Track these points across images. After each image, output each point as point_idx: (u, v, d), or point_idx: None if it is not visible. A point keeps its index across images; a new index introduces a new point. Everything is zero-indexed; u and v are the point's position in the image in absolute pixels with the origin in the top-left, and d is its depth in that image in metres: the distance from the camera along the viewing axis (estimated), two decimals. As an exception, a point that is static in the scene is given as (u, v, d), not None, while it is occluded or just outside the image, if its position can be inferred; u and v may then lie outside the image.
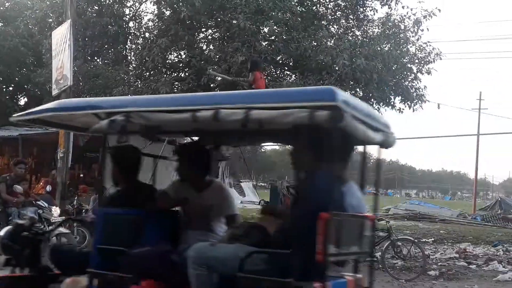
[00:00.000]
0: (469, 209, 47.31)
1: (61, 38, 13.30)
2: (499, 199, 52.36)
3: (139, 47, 14.91)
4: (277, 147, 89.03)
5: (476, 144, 49.19)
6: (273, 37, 13.98)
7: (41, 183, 15.21)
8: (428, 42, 14.69)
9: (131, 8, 15.56)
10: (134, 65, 15.63)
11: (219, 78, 14.08)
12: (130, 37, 15.32)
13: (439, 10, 14.19)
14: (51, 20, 15.43)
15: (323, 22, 14.79)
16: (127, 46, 15.67)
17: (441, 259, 14.21)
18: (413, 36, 14.54)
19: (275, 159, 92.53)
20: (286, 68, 15.75)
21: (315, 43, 13.56)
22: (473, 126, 48.71)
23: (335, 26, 15.34)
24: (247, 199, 41.41)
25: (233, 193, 41.86)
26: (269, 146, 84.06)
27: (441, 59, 14.70)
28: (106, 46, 15.54)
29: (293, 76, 15.34)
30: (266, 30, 13.95)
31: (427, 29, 14.54)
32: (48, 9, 15.16)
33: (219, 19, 14.13)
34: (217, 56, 13.76)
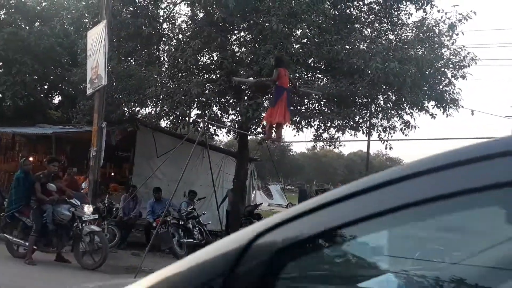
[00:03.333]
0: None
1: (96, 38, 13.52)
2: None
3: (172, 48, 15.05)
4: (305, 151, 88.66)
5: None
6: (305, 40, 13.93)
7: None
8: (463, 46, 14.43)
9: (165, 10, 15.69)
10: (166, 66, 15.78)
11: (242, 87, 14.11)
12: (163, 38, 15.45)
13: (475, 13, 13.92)
14: (86, 20, 15.69)
15: (356, 25, 14.70)
16: (160, 47, 15.81)
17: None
18: (447, 40, 14.29)
19: (304, 163, 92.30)
20: (318, 71, 15.68)
21: (348, 46, 13.48)
22: (508, 133, 47.56)
23: (368, 30, 15.22)
24: (275, 202, 41.43)
25: (260, 195, 41.94)
26: (298, 149, 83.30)
27: (476, 63, 14.42)
28: (139, 47, 15.70)
29: (325, 79, 15.28)
30: (298, 32, 13.92)
31: (462, 33, 14.28)
32: (84, 10, 15.41)
33: (251, 22, 14.16)
34: (249, 58, 13.78)
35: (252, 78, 13.05)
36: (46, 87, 22.80)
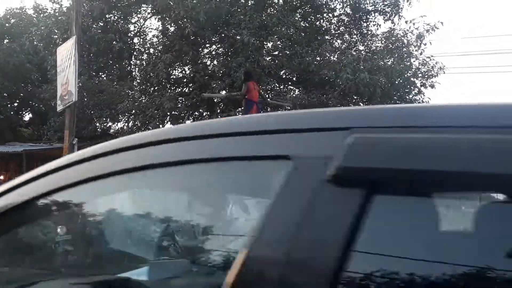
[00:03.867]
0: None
1: (66, 55, 13.36)
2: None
3: (144, 63, 14.99)
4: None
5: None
6: (276, 52, 14.05)
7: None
8: (431, 56, 14.71)
9: (136, 24, 15.66)
10: (138, 81, 15.70)
11: (215, 100, 14.13)
12: (134, 53, 15.40)
13: (442, 24, 14.22)
14: (56, 36, 15.52)
15: (326, 37, 14.85)
16: (131, 62, 15.74)
17: None
18: (416, 50, 14.57)
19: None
20: (290, 83, 15.79)
21: (319, 58, 13.61)
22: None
23: (338, 41, 15.41)
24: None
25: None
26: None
27: (444, 73, 14.69)
28: (111, 62, 15.60)
29: (297, 90, 15.38)
30: (269, 45, 14.04)
31: (430, 43, 14.56)
32: (53, 26, 15.26)
33: (223, 35, 14.21)
34: (221, 71, 13.81)
35: (222, 93, 13.06)
36: (16, 104, 22.48)
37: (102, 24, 14.81)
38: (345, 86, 12.57)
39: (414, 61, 14.59)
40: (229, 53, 14.35)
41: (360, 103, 14.76)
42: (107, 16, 14.82)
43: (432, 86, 14.66)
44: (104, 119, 15.67)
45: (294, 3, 14.39)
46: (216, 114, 13.95)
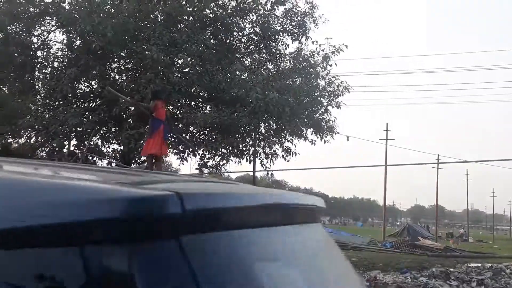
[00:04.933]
0: (379, 235, 49.08)
1: (-39, 66, 12.62)
2: (407, 225, 54.94)
3: (47, 77, 14.38)
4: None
5: (384, 173, 51.42)
6: (187, 69, 13.98)
7: None
8: (336, 75, 15.27)
9: (39, 37, 15.01)
10: (42, 95, 15.02)
11: (123, 101, 13.77)
12: (38, 66, 14.73)
13: (346, 46, 14.82)
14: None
15: (237, 55, 14.99)
16: (34, 75, 15.04)
17: (352, 288, 14.51)
18: (322, 71, 15.05)
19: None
20: (201, 100, 15.74)
21: (229, 76, 13.70)
22: (381, 155, 50.90)
23: (248, 60, 15.60)
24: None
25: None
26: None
27: (349, 92, 15.30)
28: (12, 75, 14.84)
29: (208, 107, 15.37)
30: (180, 62, 13.94)
31: (335, 64, 15.12)
32: None
33: (131, 50, 13.95)
34: (130, 87, 13.54)
35: (129, 98, 12.75)
36: None
37: (2, 35, 14.07)
38: (255, 105, 12.71)
39: (320, 81, 15.08)
40: (139, 69, 14.12)
41: (270, 122, 15.02)
42: (8, 28, 14.09)
43: (338, 107, 15.23)
44: (4, 134, 14.84)
45: (204, 20, 14.42)
46: (125, 130, 13.63)
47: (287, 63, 15.35)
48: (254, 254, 1.32)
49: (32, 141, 15.34)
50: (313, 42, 15.01)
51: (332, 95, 15.19)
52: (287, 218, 1.60)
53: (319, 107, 14.92)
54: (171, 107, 14.71)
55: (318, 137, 15.22)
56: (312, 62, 14.85)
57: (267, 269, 1.35)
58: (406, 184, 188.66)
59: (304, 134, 15.27)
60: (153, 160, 11.73)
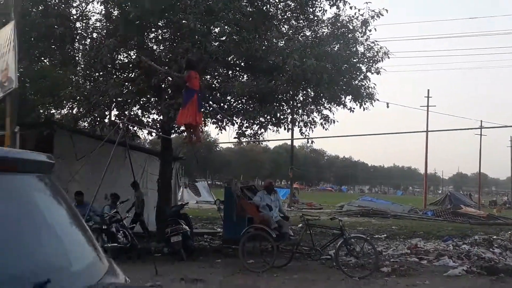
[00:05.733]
0: (420, 204, 48.62)
1: (5, 40, 12.86)
2: (448, 194, 54.14)
3: (87, 48, 14.56)
4: (232, 146, 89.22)
5: (426, 140, 50.60)
6: (223, 38, 13.90)
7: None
8: (376, 41, 14.94)
9: (78, 8, 15.16)
10: (82, 66, 15.25)
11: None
12: (77, 37, 14.91)
13: (387, 11, 14.46)
14: (-6, 21, 14.88)
15: (273, 22, 14.81)
16: (74, 46, 15.25)
17: (393, 255, 14.52)
18: (361, 36, 14.75)
19: (231, 158, 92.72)
20: (238, 69, 15.71)
21: (266, 43, 13.58)
22: (422, 123, 50.05)
23: (285, 27, 15.40)
24: (203, 199, 41.31)
25: (188, 193, 41.72)
26: (224, 145, 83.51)
27: (389, 57, 14.96)
28: (53, 47, 15.07)
29: (245, 76, 15.33)
30: (216, 30, 13.87)
31: (375, 29, 14.78)
32: (-9, 10, 14.60)
33: (168, 20, 13.96)
34: (168, 57, 13.59)
35: (164, 68, 12.83)
36: (-47, 91, 21.50)
37: (42, 8, 14.27)
38: (293, 72, 12.59)
39: (359, 47, 14.79)
40: (176, 39, 14.13)
41: (308, 89, 14.89)
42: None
43: (378, 73, 14.94)
44: (47, 105, 15.20)
45: (240, -12, 14.25)
46: (164, 101, 13.75)
47: (325, 29, 15.08)
48: None
49: (74, 111, 15.65)
50: (351, 7, 14.70)
51: (371, 61, 14.89)
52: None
53: (358, 73, 14.66)
54: (208, 77, 14.75)
55: (357, 104, 15.00)
56: (351, 27, 14.54)
57: None
58: (448, 152, 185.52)
59: (343, 102, 15.08)
60: (191, 130, 11.88)
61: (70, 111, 15.88)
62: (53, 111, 16.37)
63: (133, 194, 15.72)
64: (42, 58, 16.07)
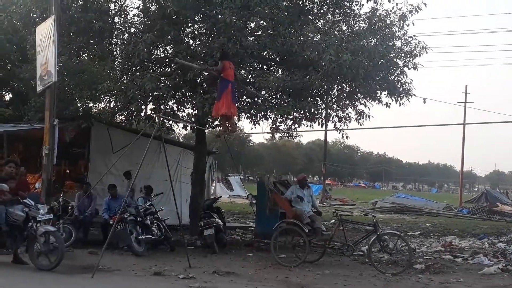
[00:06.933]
0: (455, 201, 47.82)
1: (45, 34, 13.18)
2: (485, 192, 53.00)
3: (125, 43, 14.77)
4: (265, 141, 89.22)
5: (462, 136, 49.65)
6: (259, 32, 13.93)
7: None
8: (414, 35, 14.73)
9: (116, 3, 15.37)
10: (119, 60, 15.48)
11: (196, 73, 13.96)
12: (115, 32, 15.14)
13: (425, 5, 14.22)
14: (35, 15, 15.24)
15: (309, 17, 14.74)
16: (112, 41, 15.49)
17: (427, 253, 14.37)
18: (399, 31, 14.57)
19: (263, 153, 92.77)
20: (273, 63, 15.71)
21: (302, 38, 13.53)
22: (459, 119, 49.05)
23: (321, 21, 15.30)
24: (235, 193, 41.56)
25: (221, 187, 42.05)
26: (257, 140, 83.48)
27: (426, 52, 14.71)
28: (91, 41, 15.33)
29: (280, 71, 15.31)
30: (252, 25, 13.90)
31: (413, 23, 14.58)
32: (32, 5, 14.94)
33: (205, 14, 14.05)
34: (203, 52, 13.69)
35: (197, 64, 12.95)
36: (-5, 84, 22.17)
37: (81, 3, 14.53)
38: (328, 67, 12.52)
39: (396, 42, 14.60)
40: (212, 34, 14.22)
41: (343, 84, 14.78)
42: (86, -5, 14.52)
43: (415, 68, 14.73)
44: (85, 99, 15.49)
45: (276, -18, 14.23)
46: (199, 95, 13.86)
47: (361, 23, 14.92)
48: None
49: (111, 105, 15.92)
50: (389, 1, 14.50)
51: (408, 56, 14.69)
52: None
53: (394, 68, 14.46)
54: (243, 71, 14.80)
55: (393, 100, 14.82)
56: (388, 22, 14.36)
57: None
58: (485, 149, 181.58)
59: (379, 97, 14.93)
60: (226, 121, 11.97)
61: (108, 104, 16.16)
62: (91, 104, 16.65)
63: (127, 184, 15.76)
64: (81, 53, 16.37)
